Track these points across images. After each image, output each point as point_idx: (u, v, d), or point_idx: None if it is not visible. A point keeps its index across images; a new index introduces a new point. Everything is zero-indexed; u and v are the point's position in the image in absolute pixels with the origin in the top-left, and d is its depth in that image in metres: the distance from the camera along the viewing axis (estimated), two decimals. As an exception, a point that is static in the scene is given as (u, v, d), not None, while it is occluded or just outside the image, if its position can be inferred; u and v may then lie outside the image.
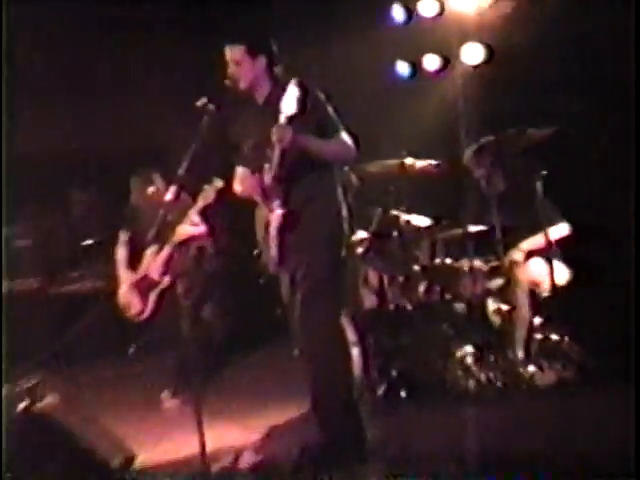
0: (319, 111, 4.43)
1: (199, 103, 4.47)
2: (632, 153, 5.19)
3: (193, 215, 6.19)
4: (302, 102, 4.29)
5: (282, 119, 4.31)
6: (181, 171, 4.53)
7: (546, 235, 5.55)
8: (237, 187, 4.81)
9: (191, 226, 6.26)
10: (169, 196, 4.87)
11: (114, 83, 8.63)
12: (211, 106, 4.45)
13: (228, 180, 5.14)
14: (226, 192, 5.61)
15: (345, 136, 4.46)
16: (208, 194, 6.03)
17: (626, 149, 5.32)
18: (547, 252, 5.55)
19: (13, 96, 7.40)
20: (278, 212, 4.41)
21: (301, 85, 4.32)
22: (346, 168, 5.96)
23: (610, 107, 5.84)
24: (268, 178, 4.44)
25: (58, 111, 8.42)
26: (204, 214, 6.25)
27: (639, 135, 5.14)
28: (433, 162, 6.10)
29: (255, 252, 4.75)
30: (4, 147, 7.07)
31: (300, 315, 4.48)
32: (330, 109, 4.46)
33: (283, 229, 4.43)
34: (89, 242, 7.95)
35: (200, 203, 6.10)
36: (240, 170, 4.79)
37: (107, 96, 8.60)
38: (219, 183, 5.95)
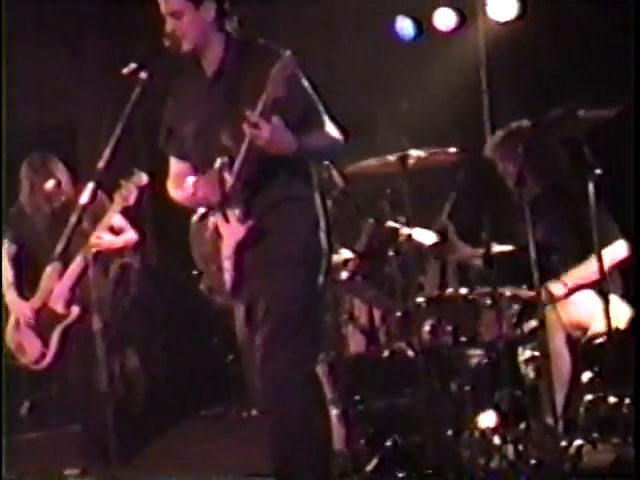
0: (300, 95, 4.49)
1: (126, 70, 4.47)
2: None
3: (111, 219, 6.16)
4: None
5: (259, 107, 4.34)
6: (102, 163, 4.53)
7: (600, 260, 5.53)
8: (175, 189, 4.81)
9: (109, 234, 6.24)
10: (85, 198, 4.88)
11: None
12: (143, 74, 4.45)
13: (153, 174, 5.14)
14: (150, 190, 5.61)
15: (331, 127, 4.53)
16: (128, 192, 5.99)
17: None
18: (600, 283, 5.53)
19: None
20: (239, 225, 4.45)
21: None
22: (326, 162, 5.98)
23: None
24: (228, 179, 4.47)
25: None
26: (125, 218, 6.24)
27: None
28: (444, 151, 6.11)
29: (194, 272, 4.75)
30: None
31: (261, 363, 4.47)
32: (313, 93, 4.53)
33: (243, 246, 4.47)
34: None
35: (117, 205, 6.07)
36: (180, 165, 4.80)
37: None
38: (142, 178, 5.96)
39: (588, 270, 5.64)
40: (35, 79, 8.99)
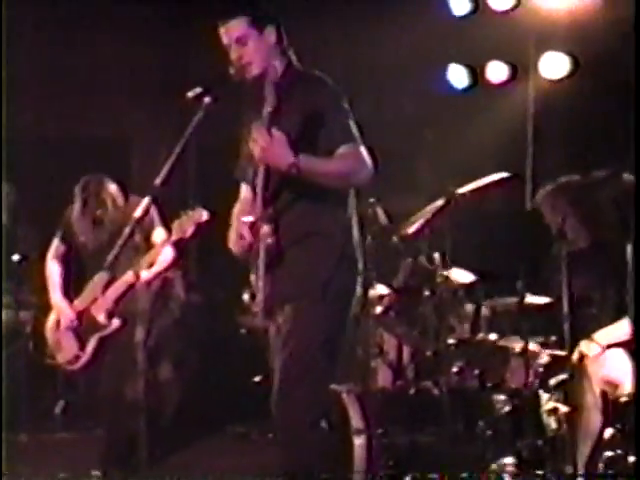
0: (327, 101, 4.41)
1: (191, 93, 4.42)
2: None
3: (164, 244, 6.18)
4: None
5: (265, 118, 4.35)
6: (159, 180, 4.51)
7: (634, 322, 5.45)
8: (240, 214, 4.70)
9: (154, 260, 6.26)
10: (139, 212, 4.85)
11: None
12: (207, 99, 4.39)
13: (213, 212, 5.11)
14: (209, 225, 5.59)
15: (360, 148, 4.40)
16: (186, 226, 5.96)
17: None
18: (632, 344, 5.46)
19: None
20: (266, 242, 4.36)
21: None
22: (372, 200, 5.96)
23: None
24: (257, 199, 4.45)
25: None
26: (175, 248, 6.25)
27: None
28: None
29: (246, 294, 4.69)
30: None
31: (280, 386, 4.40)
32: (343, 99, 4.44)
33: (271, 264, 4.39)
34: (15, 257, 7.95)
35: (174, 236, 6.04)
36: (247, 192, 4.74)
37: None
38: (203, 214, 5.89)
39: (621, 331, 5.55)
40: (88, 93, 9.00)
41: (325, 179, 4.34)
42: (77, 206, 6.58)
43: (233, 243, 4.61)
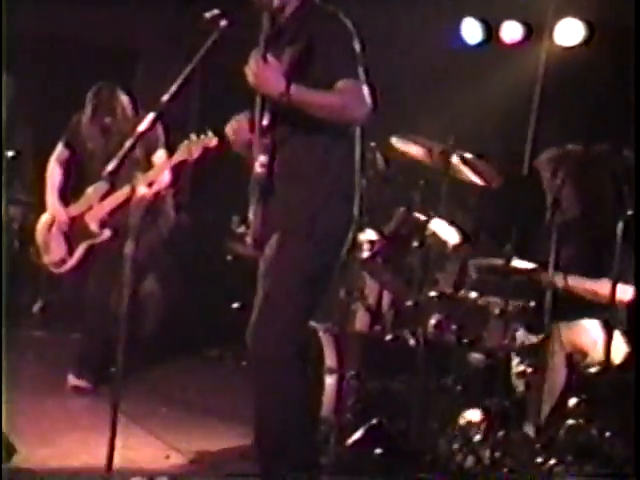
0: (336, 39, 4.36)
1: (209, 14, 4.37)
2: None
3: (164, 166, 6.24)
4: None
5: (260, 49, 4.35)
6: (166, 97, 4.49)
7: (612, 291, 5.48)
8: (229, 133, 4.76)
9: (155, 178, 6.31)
10: (144, 126, 4.83)
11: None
12: (224, 22, 4.34)
13: (223, 138, 5.11)
14: (215, 151, 5.59)
15: (360, 83, 4.34)
16: (193, 148, 6.02)
17: None
18: (607, 315, 5.49)
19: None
20: (259, 169, 4.40)
21: None
22: (372, 143, 5.95)
23: None
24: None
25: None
26: (176, 168, 6.27)
27: None
28: (486, 165, 6.07)
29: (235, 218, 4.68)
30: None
31: (258, 316, 4.40)
32: (355, 40, 4.38)
33: (266, 192, 4.41)
34: (9, 153, 7.94)
35: (179, 156, 6.10)
36: (239, 117, 4.73)
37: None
38: (212, 140, 5.96)
39: (597, 288, 5.61)
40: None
41: (319, 111, 4.29)
42: (87, 112, 6.59)
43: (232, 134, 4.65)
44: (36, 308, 8.00)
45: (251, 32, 4.49)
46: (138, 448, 5.10)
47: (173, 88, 4.42)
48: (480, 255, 6.13)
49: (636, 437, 4.11)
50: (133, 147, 4.84)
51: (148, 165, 6.26)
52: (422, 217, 6.12)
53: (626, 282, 5.63)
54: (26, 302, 8.04)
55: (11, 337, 7.45)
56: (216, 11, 4.36)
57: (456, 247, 6.13)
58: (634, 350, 5.66)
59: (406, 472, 5.31)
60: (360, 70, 4.33)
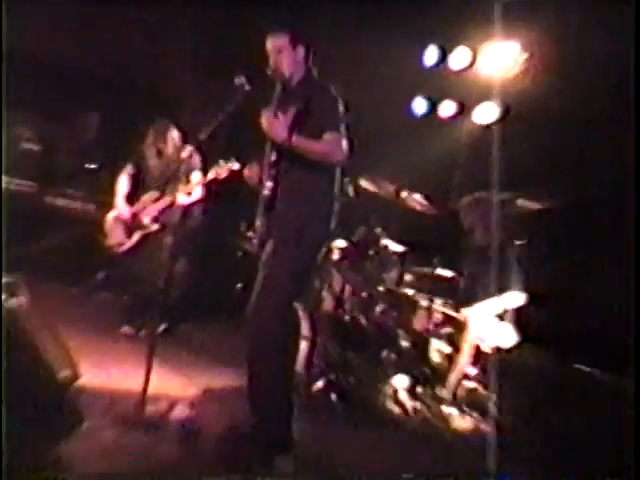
0: (326, 103, 4.33)
1: (237, 80, 4.41)
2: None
3: (199, 183, 6.23)
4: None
5: (272, 107, 4.30)
6: (203, 136, 4.57)
7: (505, 299, 5.60)
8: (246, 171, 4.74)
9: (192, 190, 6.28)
10: (186, 153, 4.92)
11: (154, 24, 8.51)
12: (247, 87, 4.40)
13: (244, 165, 5.12)
14: (237, 175, 5.62)
15: (340, 136, 4.28)
16: (221, 170, 6.01)
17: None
18: (502, 314, 5.59)
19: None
20: (266, 192, 4.36)
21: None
22: (347, 179, 5.99)
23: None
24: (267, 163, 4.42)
25: (80, 26, 8.19)
26: (208, 185, 6.27)
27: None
28: (425, 200, 6.16)
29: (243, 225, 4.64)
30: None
31: (256, 298, 4.35)
32: (339, 105, 4.33)
33: (269, 208, 4.37)
34: (92, 166, 7.98)
35: (210, 175, 6.10)
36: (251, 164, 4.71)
37: (145, 35, 8.51)
38: (236, 165, 5.90)
39: (497, 303, 5.66)
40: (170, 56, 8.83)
41: (310, 154, 4.25)
42: (149, 140, 6.59)
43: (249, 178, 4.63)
44: (100, 276, 7.97)
45: (266, 94, 4.50)
46: (165, 381, 5.05)
47: (209, 129, 4.50)
48: (415, 264, 6.22)
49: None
50: (178, 168, 4.94)
51: (187, 181, 6.25)
52: (378, 233, 6.24)
53: (517, 291, 5.74)
54: (93, 272, 8.02)
55: (81, 297, 7.52)
56: (243, 78, 4.41)
57: (399, 256, 6.22)
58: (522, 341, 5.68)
59: (352, 412, 5.34)
60: (342, 126, 4.29)
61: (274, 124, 4.25)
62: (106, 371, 5.04)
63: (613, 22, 5.56)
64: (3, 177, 7.95)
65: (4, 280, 4.34)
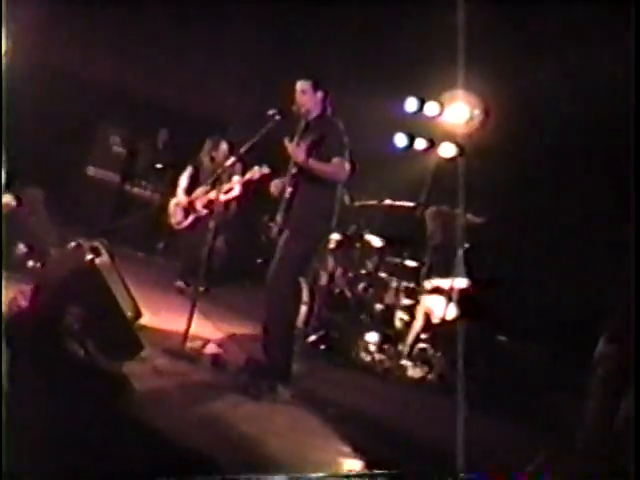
0: (336, 135, 4.30)
1: (270, 112, 4.38)
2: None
3: (238, 182, 6.17)
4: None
5: (296, 140, 4.27)
6: (243, 150, 4.56)
7: (452, 283, 5.53)
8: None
9: (232, 188, 6.21)
10: (229, 162, 4.90)
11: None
12: (277, 117, 4.38)
13: (273, 170, 5.10)
14: (267, 178, 5.58)
15: (345, 161, 4.27)
16: (255, 173, 5.96)
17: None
18: (449, 294, 5.53)
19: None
20: (287, 196, 4.37)
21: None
22: (344, 189, 5.94)
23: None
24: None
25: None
26: (244, 184, 6.23)
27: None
28: (405, 204, 6.13)
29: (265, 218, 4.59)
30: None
31: (272, 274, 4.33)
32: (345, 137, 4.31)
33: (288, 208, 4.35)
34: (159, 166, 7.95)
35: (247, 176, 6.06)
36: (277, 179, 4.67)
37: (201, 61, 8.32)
38: (266, 169, 5.85)
39: (446, 283, 5.58)
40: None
41: (321, 173, 4.27)
42: (205, 150, 6.57)
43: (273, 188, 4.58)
44: (160, 246, 7.99)
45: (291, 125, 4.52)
46: (202, 326, 4.95)
47: (248, 145, 4.49)
48: (390, 255, 6.18)
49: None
50: (224, 171, 4.93)
51: (230, 181, 6.20)
52: (364, 231, 6.20)
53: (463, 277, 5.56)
54: (155, 242, 8.01)
55: (146, 260, 7.50)
56: (275, 111, 4.38)
57: (378, 249, 6.18)
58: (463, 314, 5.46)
59: (336, 358, 5.35)
60: (346, 153, 4.30)
61: (296, 149, 4.26)
62: (160, 315, 5.02)
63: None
64: (90, 167, 7.92)
65: (92, 244, 4.33)
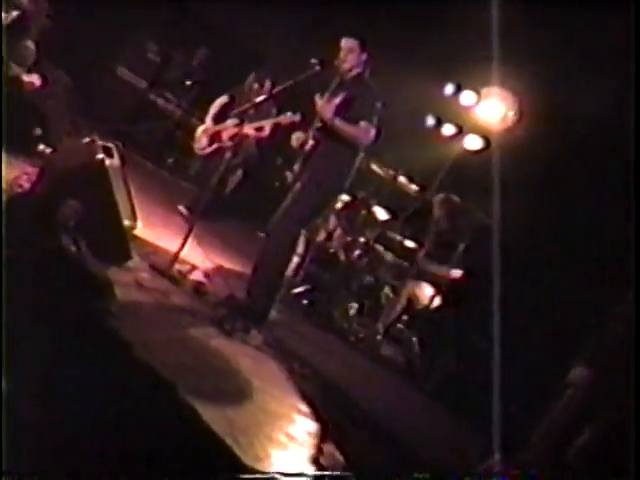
0: (369, 99, 4.28)
1: (313, 61, 4.32)
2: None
3: (269, 123, 5.97)
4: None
5: (327, 96, 4.23)
6: (276, 90, 4.76)
7: (445, 272, 5.53)
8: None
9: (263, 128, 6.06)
10: (259, 99, 4.82)
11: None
12: (318, 67, 4.32)
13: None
14: (295, 125, 5.46)
15: (371, 126, 4.25)
16: (285, 118, 5.67)
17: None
18: (438, 282, 5.50)
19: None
20: (307, 147, 4.37)
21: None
22: (364, 153, 5.88)
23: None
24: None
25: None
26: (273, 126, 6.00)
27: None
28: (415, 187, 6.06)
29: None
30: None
31: (282, 214, 4.37)
32: (378, 103, 4.29)
33: (306, 159, 4.37)
34: (189, 82, 7.79)
35: (279, 119, 5.80)
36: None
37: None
38: (297, 117, 5.54)
39: (439, 270, 5.57)
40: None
41: (345, 134, 4.24)
42: (248, 82, 6.41)
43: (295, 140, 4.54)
44: (170, 161, 7.74)
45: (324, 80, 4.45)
46: (193, 252, 4.88)
47: (281, 87, 4.57)
48: (391, 230, 6.15)
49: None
50: (254, 107, 4.83)
51: (259, 119, 6.00)
52: (372, 200, 6.18)
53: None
54: (165, 157, 7.84)
55: (155, 172, 7.15)
56: (315, 60, 4.34)
57: (382, 222, 6.16)
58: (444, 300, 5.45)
59: (314, 316, 5.37)
60: (375, 119, 4.27)
61: (325, 105, 4.22)
62: (155, 229, 4.97)
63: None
64: (121, 68, 7.73)
65: (106, 143, 4.29)
